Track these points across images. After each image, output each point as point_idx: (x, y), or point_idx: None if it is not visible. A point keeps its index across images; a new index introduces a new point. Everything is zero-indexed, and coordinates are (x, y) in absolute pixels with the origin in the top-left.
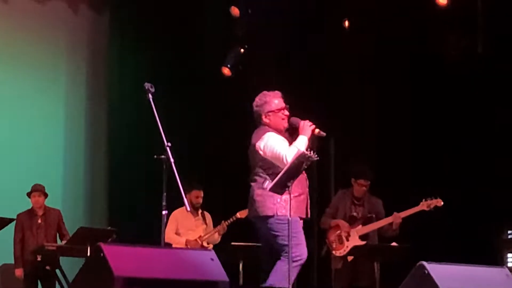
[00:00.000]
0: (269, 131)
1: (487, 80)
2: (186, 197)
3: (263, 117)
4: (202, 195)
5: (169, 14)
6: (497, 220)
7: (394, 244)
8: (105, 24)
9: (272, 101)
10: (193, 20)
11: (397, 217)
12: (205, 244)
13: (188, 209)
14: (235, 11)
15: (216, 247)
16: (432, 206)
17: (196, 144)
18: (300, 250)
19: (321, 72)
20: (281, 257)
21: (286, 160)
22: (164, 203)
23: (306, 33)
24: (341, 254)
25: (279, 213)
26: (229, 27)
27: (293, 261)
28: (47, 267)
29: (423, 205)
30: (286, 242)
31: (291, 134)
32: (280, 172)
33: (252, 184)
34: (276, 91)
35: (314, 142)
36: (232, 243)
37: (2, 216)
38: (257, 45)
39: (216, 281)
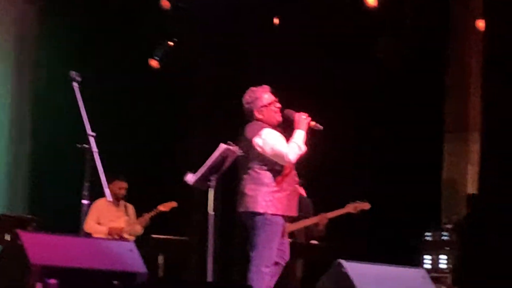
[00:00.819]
0: (264, 126)
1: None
2: (109, 187)
3: (256, 113)
4: (126, 186)
5: (101, 3)
6: (416, 222)
7: (314, 242)
8: (33, 12)
9: (263, 96)
10: (124, 11)
11: (324, 218)
12: (126, 235)
13: (109, 199)
14: (165, 3)
15: (137, 240)
16: (359, 209)
17: (122, 134)
18: (271, 253)
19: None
20: (251, 265)
21: (288, 158)
22: (84, 193)
23: (236, 29)
24: None
25: (269, 212)
26: (159, 20)
27: (266, 266)
28: None
29: (349, 208)
30: (261, 245)
31: (284, 126)
32: (277, 167)
33: (245, 177)
34: (264, 86)
35: (308, 135)
36: (153, 236)
37: None
38: (186, 38)
39: (134, 273)
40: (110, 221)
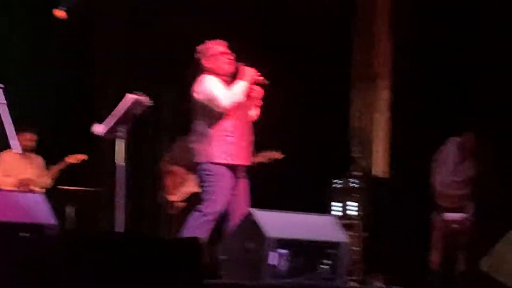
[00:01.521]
0: (207, 74)
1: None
2: (18, 139)
3: (204, 61)
4: (35, 138)
5: None
6: (326, 170)
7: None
8: None
9: (214, 46)
10: None
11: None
12: (35, 187)
13: (17, 151)
14: None
15: (46, 192)
16: (270, 159)
17: (32, 85)
18: (212, 206)
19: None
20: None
21: (220, 103)
22: None
23: None
24: (176, 200)
25: (211, 161)
26: None
27: (203, 216)
28: None
29: (261, 157)
30: (204, 194)
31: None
32: (219, 116)
33: (192, 128)
34: (220, 40)
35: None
36: (60, 187)
37: None
38: None
39: (43, 224)
40: (19, 173)
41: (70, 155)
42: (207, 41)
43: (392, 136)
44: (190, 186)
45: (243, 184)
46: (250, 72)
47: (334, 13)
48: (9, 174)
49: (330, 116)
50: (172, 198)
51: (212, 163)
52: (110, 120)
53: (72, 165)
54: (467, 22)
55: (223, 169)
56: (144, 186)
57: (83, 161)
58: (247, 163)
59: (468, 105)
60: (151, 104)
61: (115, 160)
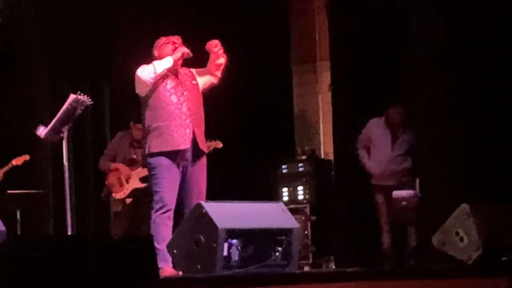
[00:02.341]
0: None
1: None
2: None
3: (155, 51)
4: None
5: None
6: (271, 156)
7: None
8: None
9: (162, 38)
10: None
11: None
12: None
13: None
14: None
15: None
16: (211, 148)
17: None
18: (160, 201)
19: None
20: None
21: (138, 75)
22: None
23: None
24: (121, 197)
25: (150, 151)
26: None
27: (155, 213)
28: None
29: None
30: (154, 191)
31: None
32: (154, 104)
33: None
34: (176, 36)
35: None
36: (8, 191)
37: None
38: None
39: None
40: None
41: (15, 158)
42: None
43: (334, 118)
44: (135, 182)
45: (196, 170)
46: (180, 49)
47: None
48: None
49: (273, 101)
50: (116, 196)
51: (151, 154)
52: (53, 122)
53: (15, 168)
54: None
55: (163, 159)
56: (87, 185)
57: (25, 162)
58: (189, 146)
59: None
60: (91, 103)
61: (64, 161)
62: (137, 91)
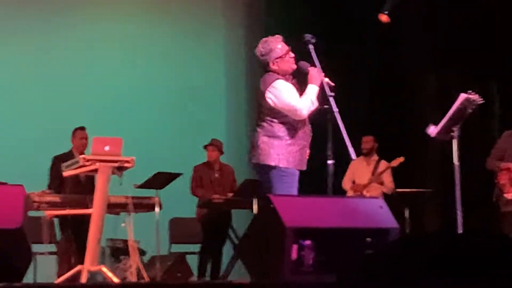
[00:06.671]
0: (278, 78)
1: None
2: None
3: (271, 64)
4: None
5: None
6: None
7: None
8: None
9: (276, 47)
10: None
11: None
12: (366, 192)
13: (353, 157)
14: None
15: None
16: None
17: (356, 93)
18: None
19: None
20: None
21: (300, 113)
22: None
23: None
24: None
25: (281, 165)
26: None
27: None
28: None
29: None
30: None
31: (296, 76)
32: (291, 120)
33: (259, 130)
34: (277, 36)
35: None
36: (397, 190)
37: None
38: None
39: (387, 229)
40: (358, 178)
41: (396, 159)
42: (265, 39)
43: None
44: None
45: None
46: (318, 75)
47: None
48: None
49: None
50: (508, 196)
51: (283, 168)
52: (443, 121)
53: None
54: None
55: (294, 171)
56: (474, 184)
57: (411, 162)
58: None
59: None
60: (482, 102)
61: (454, 160)
62: (285, 113)
